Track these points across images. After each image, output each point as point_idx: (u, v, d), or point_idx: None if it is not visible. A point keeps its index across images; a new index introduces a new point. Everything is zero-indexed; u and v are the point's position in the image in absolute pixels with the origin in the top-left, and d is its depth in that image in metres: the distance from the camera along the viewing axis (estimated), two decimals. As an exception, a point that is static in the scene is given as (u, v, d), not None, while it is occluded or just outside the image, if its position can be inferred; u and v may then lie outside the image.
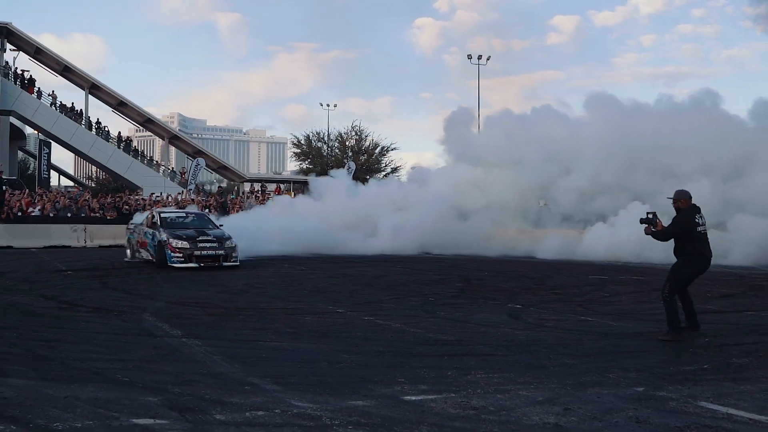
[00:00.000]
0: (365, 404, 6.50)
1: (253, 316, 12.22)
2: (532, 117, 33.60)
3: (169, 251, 20.45)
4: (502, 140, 31.72)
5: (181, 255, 20.37)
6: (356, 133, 68.24)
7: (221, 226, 22.91)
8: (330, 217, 30.19)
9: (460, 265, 22.93)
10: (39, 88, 55.35)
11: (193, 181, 49.24)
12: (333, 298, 14.80)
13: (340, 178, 35.55)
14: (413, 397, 6.76)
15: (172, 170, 62.63)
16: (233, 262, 21.07)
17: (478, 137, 35.01)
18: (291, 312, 12.62)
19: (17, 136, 64.50)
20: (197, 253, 20.57)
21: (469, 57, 59.50)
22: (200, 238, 20.89)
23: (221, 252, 20.91)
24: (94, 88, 57.95)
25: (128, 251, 23.64)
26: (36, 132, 61.36)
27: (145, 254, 22.24)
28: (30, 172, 72.57)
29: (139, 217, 25.59)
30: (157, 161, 62.43)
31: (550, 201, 31.07)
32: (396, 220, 29.63)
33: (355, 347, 9.31)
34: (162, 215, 22.47)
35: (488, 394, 6.88)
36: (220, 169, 63.00)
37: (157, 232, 21.35)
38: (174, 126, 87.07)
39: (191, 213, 24.27)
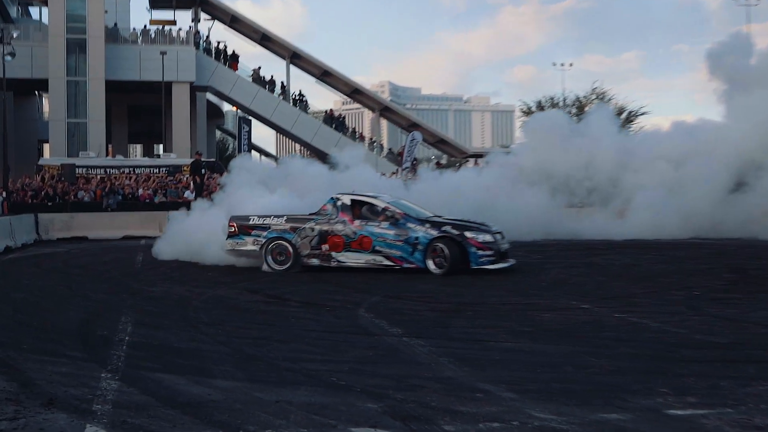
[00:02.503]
0: (620, 418, 6.35)
1: (483, 312, 12.28)
2: None
3: (476, 249, 17.47)
4: None
5: (492, 254, 17.63)
6: (597, 96, 66.91)
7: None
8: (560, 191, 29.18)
9: (729, 251, 21.94)
10: (228, 53, 58.12)
11: (409, 158, 49.98)
12: (576, 291, 14.63)
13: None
14: (679, 411, 6.53)
15: (381, 145, 64.10)
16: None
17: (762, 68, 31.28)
18: (527, 307, 12.57)
19: (215, 114, 68.43)
20: (502, 248, 18.09)
21: (736, -3, 56.68)
22: (494, 230, 18.22)
23: (508, 246, 18.71)
24: (295, 58, 60.41)
25: (269, 260, 18.78)
26: (234, 109, 64.76)
27: (357, 258, 18.30)
28: (229, 152, 76.67)
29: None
30: (366, 136, 64.14)
31: None
32: (660, 194, 27.63)
33: (605, 349, 9.13)
34: (390, 201, 18.75)
35: (775, 410, 6.54)
36: (438, 143, 63.83)
37: (416, 226, 17.87)
38: (385, 96, 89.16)
39: (388, 196, 19.81)
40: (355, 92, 63.32)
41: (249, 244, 19.12)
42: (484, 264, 17.47)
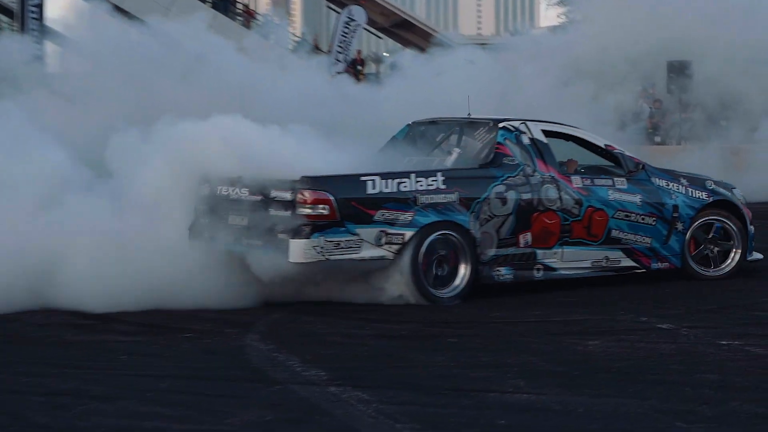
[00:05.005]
0: None
1: (477, 337, 12.43)
2: None
3: (750, 225, 17.15)
4: None
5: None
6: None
7: None
8: None
9: None
10: None
11: (343, 52, 49.96)
12: (649, 298, 14.88)
13: None
14: None
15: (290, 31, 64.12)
16: None
17: None
18: (560, 329, 12.73)
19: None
20: None
21: None
22: None
23: None
24: None
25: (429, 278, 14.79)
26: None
27: (580, 258, 15.93)
28: None
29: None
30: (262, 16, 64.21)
31: None
32: None
33: (702, 405, 9.17)
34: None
35: None
36: (397, 28, 63.97)
37: (669, 184, 16.55)
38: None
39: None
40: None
41: (369, 247, 14.66)
42: (752, 252, 17.16)
